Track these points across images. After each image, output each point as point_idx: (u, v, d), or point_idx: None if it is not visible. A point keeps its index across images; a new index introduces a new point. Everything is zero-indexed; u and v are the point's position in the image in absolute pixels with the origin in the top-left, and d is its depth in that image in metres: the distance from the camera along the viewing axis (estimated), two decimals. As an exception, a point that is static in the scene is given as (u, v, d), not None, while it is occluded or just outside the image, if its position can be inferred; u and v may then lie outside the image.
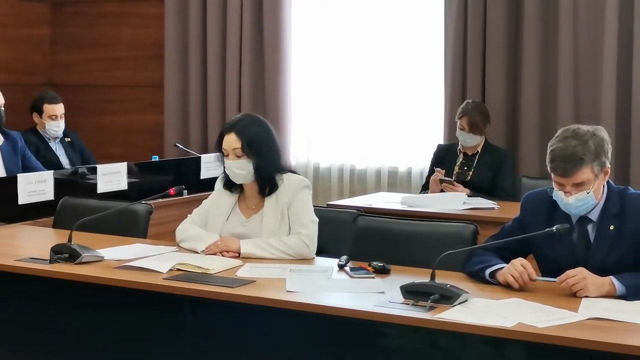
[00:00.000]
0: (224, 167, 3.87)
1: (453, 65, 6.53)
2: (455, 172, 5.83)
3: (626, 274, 3.10)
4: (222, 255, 3.69)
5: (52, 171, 5.24)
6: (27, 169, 5.65)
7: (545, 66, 6.35)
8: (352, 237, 3.95)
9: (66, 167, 6.16)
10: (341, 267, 3.54)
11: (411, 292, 3.00)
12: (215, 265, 3.50)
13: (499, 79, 6.43)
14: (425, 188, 5.91)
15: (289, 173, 3.90)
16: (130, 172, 5.59)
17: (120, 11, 7.96)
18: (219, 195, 3.97)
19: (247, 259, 3.66)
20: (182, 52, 7.56)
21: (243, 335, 3.21)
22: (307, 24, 7.25)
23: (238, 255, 3.70)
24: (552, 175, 3.23)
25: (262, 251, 3.71)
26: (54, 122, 6.28)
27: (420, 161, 6.74)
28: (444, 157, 5.95)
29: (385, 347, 2.93)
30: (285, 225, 3.80)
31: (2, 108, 5.57)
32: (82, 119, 7.62)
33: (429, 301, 2.91)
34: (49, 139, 6.33)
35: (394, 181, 6.94)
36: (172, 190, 4.09)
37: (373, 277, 3.40)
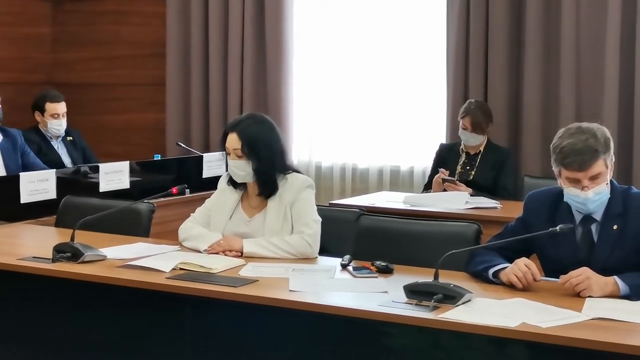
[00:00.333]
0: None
1: (455, 64, 6.53)
2: (457, 171, 5.82)
3: (630, 273, 3.10)
4: (225, 255, 3.69)
5: (54, 170, 5.23)
6: (26, 166, 5.65)
7: (548, 66, 6.34)
8: (355, 236, 3.95)
9: (68, 165, 6.16)
10: (344, 266, 3.54)
11: (414, 292, 2.99)
12: (218, 264, 3.50)
13: (501, 78, 6.43)
14: (427, 187, 5.91)
15: (293, 173, 3.90)
16: (132, 171, 5.59)
17: (122, 9, 7.96)
18: (222, 194, 3.97)
19: (250, 258, 3.66)
20: (184, 50, 7.56)
21: (245, 334, 3.20)
22: (310, 22, 7.24)
23: (241, 254, 3.70)
24: (565, 172, 3.20)
25: (264, 250, 3.70)
26: (55, 120, 6.27)
27: (422, 160, 6.73)
28: (446, 157, 5.94)
29: (389, 347, 2.92)
30: (288, 224, 3.80)
31: (0, 106, 5.55)
32: (83, 118, 7.62)
33: (432, 301, 2.90)
34: (51, 138, 6.32)
35: (396, 180, 6.94)
36: (174, 189, 4.10)
37: (376, 277, 3.39)
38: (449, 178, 5.63)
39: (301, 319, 3.08)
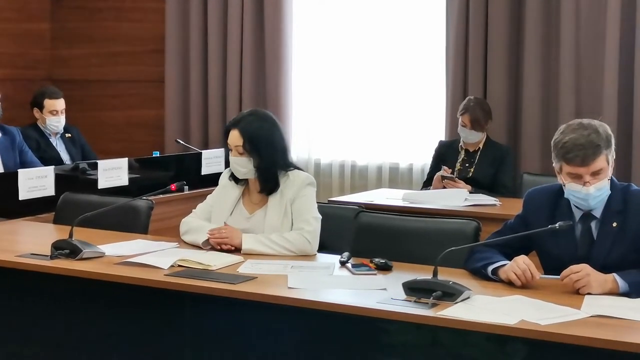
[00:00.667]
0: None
1: (455, 61, 6.52)
2: (456, 168, 5.82)
3: (629, 271, 3.09)
4: (220, 247, 3.71)
5: (52, 167, 5.22)
6: (24, 164, 5.64)
7: (547, 62, 6.33)
8: (354, 233, 3.95)
9: (67, 162, 6.15)
10: (343, 263, 3.53)
11: (413, 289, 2.99)
12: (217, 261, 3.49)
13: (500, 75, 6.42)
14: (426, 184, 5.91)
15: (295, 170, 3.89)
16: (131, 168, 5.59)
17: (121, 6, 7.95)
18: (224, 189, 3.97)
19: (249, 255, 3.65)
20: (183, 46, 7.55)
21: (244, 331, 3.20)
22: (309, 19, 7.23)
23: (239, 252, 3.69)
24: (567, 167, 3.19)
25: (263, 247, 3.70)
26: (54, 117, 6.26)
27: (421, 157, 6.73)
28: (445, 154, 5.94)
29: (387, 344, 2.92)
30: (288, 221, 3.79)
31: None
32: (82, 114, 7.61)
33: (431, 298, 2.90)
34: (50, 135, 6.31)
35: (395, 177, 6.93)
36: (173, 186, 4.10)
37: (375, 274, 3.39)
38: (449, 175, 5.63)
39: (300, 316, 3.07)
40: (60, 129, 6.35)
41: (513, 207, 4.18)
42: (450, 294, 2.93)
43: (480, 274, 3.28)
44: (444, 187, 5.59)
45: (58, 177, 5.07)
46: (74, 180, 5.30)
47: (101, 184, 5.33)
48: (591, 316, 2.79)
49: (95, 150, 6.71)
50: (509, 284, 3.15)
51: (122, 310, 3.46)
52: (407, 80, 6.97)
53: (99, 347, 3.51)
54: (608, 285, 3.05)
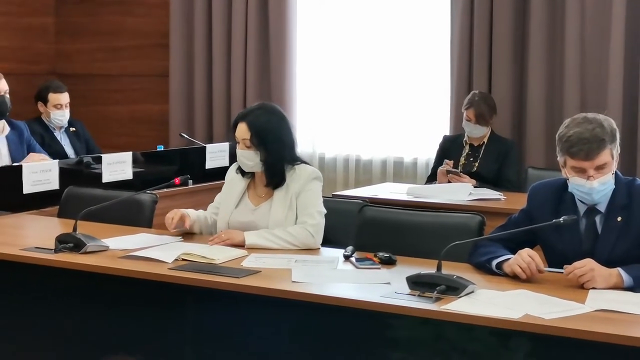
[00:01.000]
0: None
1: (459, 55, 6.51)
2: (461, 163, 5.81)
3: (634, 265, 3.09)
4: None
5: (57, 160, 5.23)
6: None
7: (552, 57, 6.32)
8: (358, 227, 3.94)
9: (71, 156, 6.15)
10: (347, 257, 3.53)
11: (417, 283, 2.99)
12: (221, 255, 3.49)
13: (505, 69, 6.41)
14: (431, 179, 5.90)
15: (302, 164, 3.89)
16: (135, 162, 5.59)
17: (125, 0, 7.94)
18: (231, 183, 3.97)
19: (253, 249, 3.65)
20: (187, 41, 7.55)
21: (248, 325, 3.20)
22: (313, 14, 7.22)
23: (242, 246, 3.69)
24: (571, 161, 3.18)
25: (266, 242, 3.70)
26: (59, 111, 6.26)
27: (426, 152, 6.72)
28: (449, 148, 5.93)
29: (391, 338, 2.91)
30: (292, 214, 3.79)
31: (7, 95, 5.53)
32: (87, 108, 7.61)
33: (435, 292, 2.90)
34: (54, 129, 6.31)
35: (400, 172, 6.92)
36: (177, 180, 4.10)
37: (379, 268, 3.39)
38: (453, 170, 5.62)
39: (303, 310, 3.07)
40: (65, 123, 6.34)
41: (518, 202, 4.17)
42: (454, 288, 2.93)
43: (484, 268, 3.28)
44: (449, 182, 5.58)
45: (62, 171, 5.08)
46: (78, 174, 5.31)
47: (105, 178, 5.34)
48: (595, 310, 2.79)
49: (99, 144, 6.71)
50: (514, 278, 3.15)
51: (126, 304, 3.46)
52: (412, 74, 6.96)
53: (102, 341, 3.52)
54: (612, 280, 3.04)
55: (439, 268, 3.01)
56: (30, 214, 4.69)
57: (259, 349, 3.19)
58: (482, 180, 5.62)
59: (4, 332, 3.76)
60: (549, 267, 3.30)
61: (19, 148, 5.58)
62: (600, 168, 3.16)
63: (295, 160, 3.89)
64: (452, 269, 3.09)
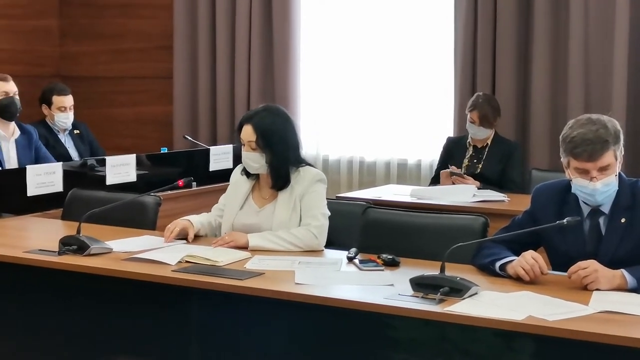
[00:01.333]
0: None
1: (463, 57, 6.51)
2: (464, 164, 5.81)
3: (637, 266, 3.08)
4: (227, 248, 3.71)
5: (61, 163, 5.23)
6: (38, 159, 5.63)
7: (556, 58, 6.32)
8: (361, 229, 3.94)
9: (75, 159, 6.15)
10: (350, 259, 3.53)
11: (421, 285, 2.98)
12: (224, 257, 3.49)
13: (509, 71, 6.41)
14: (434, 180, 5.90)
15: (306, 166, 3.89)
16: (139, 164, 5.59)
17: (129, 2, 7.96)
18: (235, 185, 3.98)
19: (256, 251, 3.65)
20: (191, 43, 7.56)
21: (251, 327, 3.20)
22: (317, 15, 7.23)
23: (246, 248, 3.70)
24: (574, 162, 3.18)
25: (270, 243, 3.70)
26: (63, 113, 6.26)
27: (429, 153, 6.72)
28: (453, 150, 5.93)
29: (394, 340, 2.91)
30: (296, 216, 3.79)
31: (17, 97, 5.53)
32: (91, 111, 7.62)
33: (439, 294, 2.89)
34: (58, 131, 6.32)
35: (404, 173, 6.93)
36: (180, 182, 4.09)
37: (382, 270, 3.38)
38: (457, 171, 5.62)
39: (307, 312, 3.07)
40: (69, 125, 6.35)
41: (521, 203, 4.16)
42: (458, 290, 2.92)
43: (488, 269, 3.28)
44: (453, 183, 5.58)
45: (66, 173, 5.08)
46: (82, 177, 5.31)
47: (109, 180, 5.34)
48: (599, 312, 2.78)
49: (103, 146, 6.72)
50: (517, 279, 3.15)
51: (130, 306, 3.46)
52: (416, 76, 6.96)
53: (106, 343, 3.52)
54: (616, 281, 3.04)
55: (442, 270, 3.01)
56: (34, 217, 4.70)
57: (262, 350, 3.19)
58: (486, 181, 5.62)
59: (8, 334, 3.76)
60: (553, 268, 3.31)
61: (27, 153, 5.58)
62: (603, 169, 3.16)
63: (299, 162, 3.89)
64: (456, 271, 3.09)
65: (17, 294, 3.72)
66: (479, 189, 5.42)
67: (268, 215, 3.84)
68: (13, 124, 5.49)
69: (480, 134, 5.80)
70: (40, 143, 5.79)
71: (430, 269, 3.09)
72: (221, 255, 3.51)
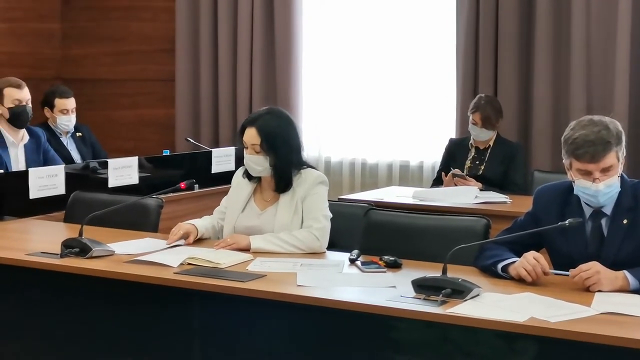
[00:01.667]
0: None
1: (465, 58, 6.51)
2: (467, 166, 5.81)
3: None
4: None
5: (63, 165, 5.23)
6: (46, 162, 5.62)
7: (558, 60, 6.32)
8: (363, 231, 3.94)
9: (77, 161, 6.15)
10: (352, 261, 3.53)
11: (423, 287, 2.98)
12: (226, 259, 3.49)
13: (511, 72, 6.41)
14: (437, 182, 5.90)
15: (308, 168, 3.89)
16: (141, 167, 5.59)
17: (131, 5, 7.97)
18: (237, 188, 3.97)
19: (258, 253, 3.65)
20: (193, 45, 7.57)
21: (253, 329, 3.20)
22: (319, 17, 7.24)
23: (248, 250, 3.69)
24: (576, 163, 3.18)
25: (272, 246, 3.70)
26: (65, 116, 6.26)
27: (432, 155, 6.73)
28: (455, 152, 5.93)
29: (397, 342, 2.91)
30: (298, 218, 3.79)
31: (29, 105, 5.51)
32: (93, 113, 7.63)
33: (441, 295, 2.89)
34: (60, 134, 6.32)
35: (406, 175, 6.93)
36: (182, 185, 4.09)
37: (384, 272, 3.38)
38: (459, 173, 5.62)
39: (309, 314, 3.07)
40: (71, 128, 6.35)
41: (524, 205, 4.16)
42: (460, 292, 2.92)
43: (490, 271, 3.28)
44: (455, 185, 5.58)
45: (68, 176, 5.08)
46: (85, 179, 5.31)
47: (111, 183, 5.34)
48: (601, 313, 2.78)
49: (106, 148, 6.72)
50: (519, 280, 3.14)
51: (132, 309, 3.46)
52: (418, 78, 6.97)
53: (108, 345, 3.52)
54: (618, 283, 3.04)
55: (444, 271, 3.01)
56: (36, 219, 4.70)
57: (264, 352, 3.19)
58: (488, 183, 5.62)
59: (11, 336, 3.76)
60: (555, 269, 3.30)
61: (35, 156, 5.57)
62: (605, 170, 3.16)
63: (301, 164, 3.89)
64: (458, 272, 3.09)
65: (19, 296, 3.72)
66: (481, 190, 5.42)
67: (270, 218, 3.84)
68: (23, 130, 5.48)
69: (482, 136, 5.80)
70: (48, 145, 5.79)
71: (432, 271, 3.09)
72: (223, 258, 3.51)
